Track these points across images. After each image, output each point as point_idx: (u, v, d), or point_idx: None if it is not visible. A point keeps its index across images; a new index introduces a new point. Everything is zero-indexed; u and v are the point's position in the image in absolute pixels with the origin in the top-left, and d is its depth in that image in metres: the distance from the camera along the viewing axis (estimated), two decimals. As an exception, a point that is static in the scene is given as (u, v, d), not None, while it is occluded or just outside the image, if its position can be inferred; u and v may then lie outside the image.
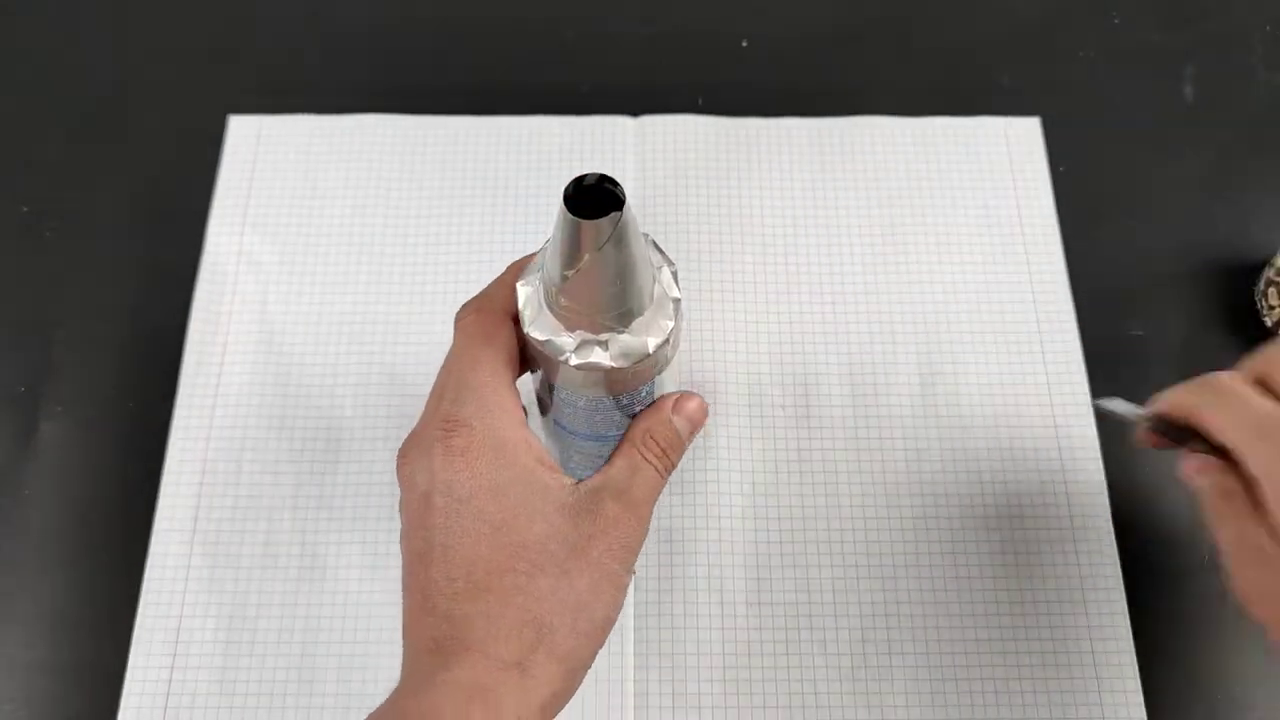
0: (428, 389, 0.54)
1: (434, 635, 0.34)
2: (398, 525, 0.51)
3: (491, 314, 0.37)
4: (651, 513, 0.38)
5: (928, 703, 0.48)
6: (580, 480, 0.38)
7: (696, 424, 0.40)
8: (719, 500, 0.51)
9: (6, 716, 0.48)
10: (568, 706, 0.47)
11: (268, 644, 0.49)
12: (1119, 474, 0.53)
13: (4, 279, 0.58)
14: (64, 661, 0.49)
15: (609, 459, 0.39)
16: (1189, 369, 0.55)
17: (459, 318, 0.38)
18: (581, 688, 0.47)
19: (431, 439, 0.36)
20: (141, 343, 0.56)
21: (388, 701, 0.34)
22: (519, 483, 0.35)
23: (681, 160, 0.60)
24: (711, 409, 0.53)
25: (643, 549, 0.50)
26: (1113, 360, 0.56)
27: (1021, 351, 0.55)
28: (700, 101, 0.62)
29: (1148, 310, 0.57)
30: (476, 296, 0.38)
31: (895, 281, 0.57)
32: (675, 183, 0.59)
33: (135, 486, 0.52)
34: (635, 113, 0.62)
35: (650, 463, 0.38)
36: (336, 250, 0.58)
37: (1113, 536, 0.51)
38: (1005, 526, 0.51)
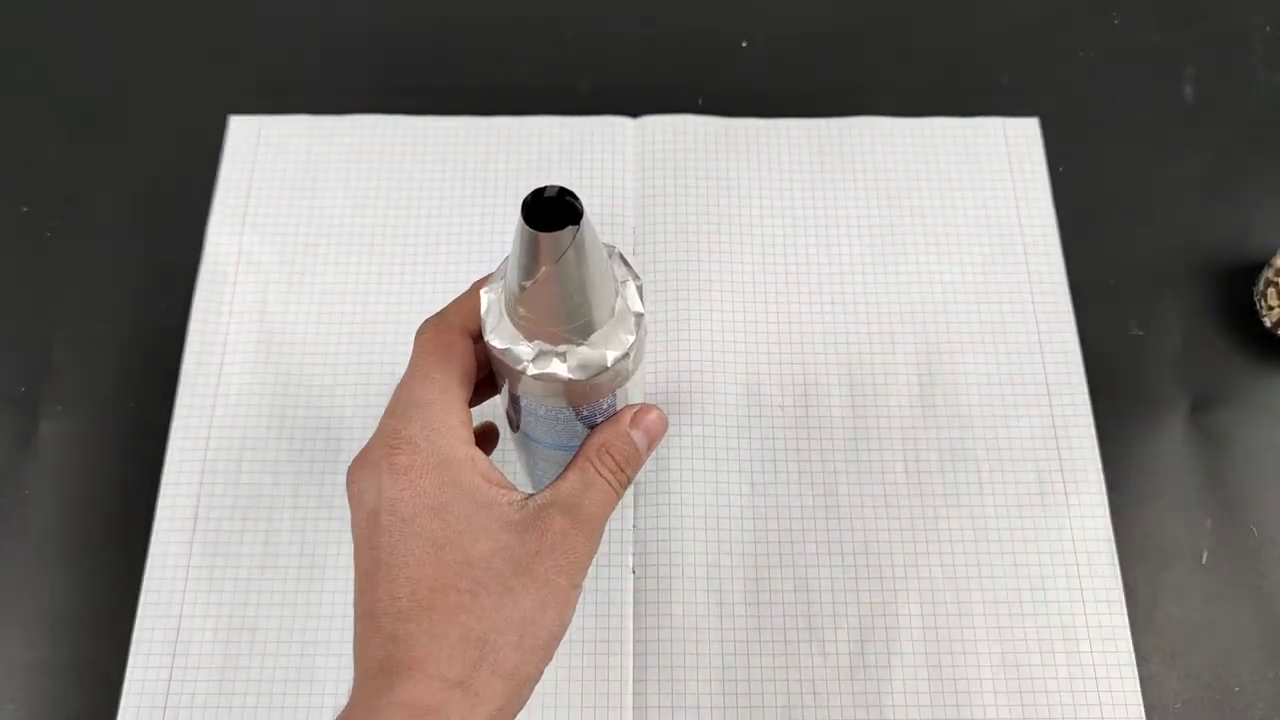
0: (427, 389, 0.54)
1: (379, 656, 0.34)
2: (397, 525, 0.51)
3: (448, 330, 0.37)
4: (603, 528, 0.38)
5: (926, 703, 0.48)
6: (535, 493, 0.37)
7: (655, 437, 0.40)
8: (718, 500, 0.51)
9: (7, 716, 0.48)
10: (568, 706, 0.47)
11: (267, 644, 0.49)
12: (1118, 473, 0.53)
13: (4, 279, 0.58)
14: (64, 661, 0.49)
15: (562, 473, 0.38)
16: (1189, 369, 0.56)
17: (418, 333, 0.38)
18: (581, 688, 0.48)
19: (378, 457, 0.36)
20: (141, 343, 0.56)
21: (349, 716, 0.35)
22: (463, 500, 0.35)
23: (681, 160, 0.60)
24: (711, 409, 0.53)
25: (636, 550, 0.50)
26: (1112, 360, 0.56)
27: (1020, 352, 0.55)
28: (700, 102, 0.63)
29: (1147, 310, 0.57)
30: (437, 313, 0.38)
31: (894, 281, 0.57)
32: (675, 183, 0.59)
33: (135, 486, 0.52)
34: (635, 113, 0.62)
35: (604, 478, 0.38)
36: (336, 250, 0.58)
37: (1112, 536, 0.51)
38: (1004, 527, 0.51)
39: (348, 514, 0.51)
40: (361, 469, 0.36)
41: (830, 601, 0.50)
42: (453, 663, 0.34)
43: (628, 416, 0.39)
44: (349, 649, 0.49)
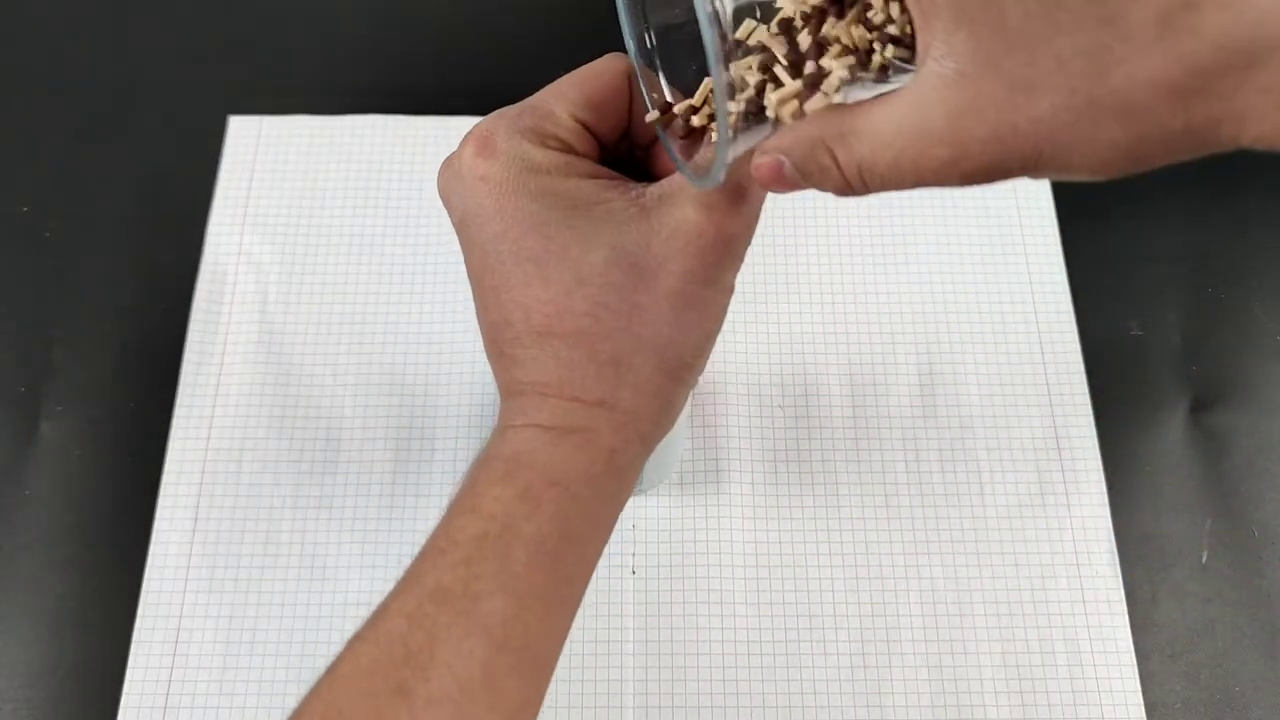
0: (427, 389, 0.55)
1: (509, 378, 0.31)
2: (397, 526, 0.51)
3: (618, 66, 0.33)
4: (758, 212, 0.31)
5: (927, 703, 0.48)
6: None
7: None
8: (718, 500, 0.51)
9: (6, 716, 0.48)
10: (569, 707, 0.47)
11: (267, 644, 0.49)
12: (1119, 473, 0.53)
13: (4, 279, 0.58)
14: (64, 662, 0.49)
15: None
16: (1189, 369, 0.56)
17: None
18: (582, 688, 0.48)
19: (462, 163, 0.31)
20: (141, 343, 0.56)
21: (483, 448, 0.32)
22: (561, 205, 0.30)
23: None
24: (711, 408, 0.53)
25: (636, 550, 0.50)
26: (1112, 360, 0.55)
27: (1021, 351, 0.55)
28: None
29: (1147, 310, 0.57)
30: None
31: (895, 281, 0.57)
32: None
33: (135, 486, 0.52)
34: (635, 113, 0.62)
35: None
36: (336, 250, 0.58)
37: (1112, 536, 0.51)
38: (1004, 526, 0.51)
39: (347, 514, 0.51)
40: (446, 172, 0.32)
41: (831, 602, 0.50)
42: (587, 384, 0.30)
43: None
44: (349, 649, 0.49)
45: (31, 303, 0.57)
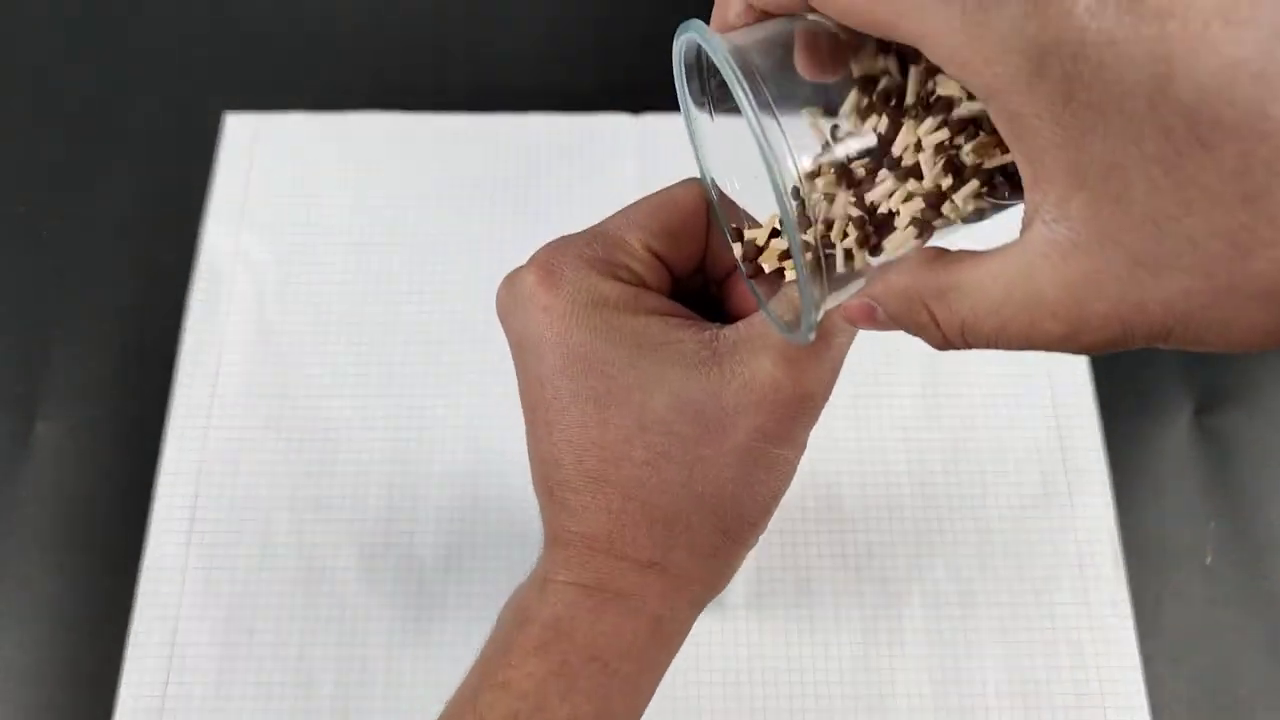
0: (426, 389, 0.54)
1: (557, 524, 0.29)
2: (395, 527, 0.51)
3: (693, 196, 0.31)
4: (840, 365, 0.28)
5: (930, 706, 0.47)
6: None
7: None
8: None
9: (3, 718, 0.48)
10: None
11: (264, 647, 0.48)
12: (1123, 475, 0.52)
13: (1, 279, 0.57)
14: (59, 664, 0.49)
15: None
16: (1193, 370, 0.55)
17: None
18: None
19: (524, 288, 0.29)
20: (138, 343, 0.56)
21: (520, 595, 0.30)
22: (627, 345, 0.28)
23: (683, 158, 0.60)
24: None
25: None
26: (1116, 361, 0.55)
27: (1024, 352, 0.55)
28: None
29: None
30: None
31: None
32: (676, 180, 0.59)
33: (131, 487, 0.52)
34: (636, 110, 0.61)
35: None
36: (334, 249, 0.58)
37: (1116, 538, 0.51)
38: (1008, 528, 0.51)
39: (345, 515, 0.51)
40: (507, 293, 0.30)
41: (833, 604, 0.49)
42: (639, 542, 0.28)
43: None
44: (347, 652, 0.48)
45: (28, 303, 0.57)
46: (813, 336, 0.27)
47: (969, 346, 0.25)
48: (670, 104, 0.61)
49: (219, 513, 0.51)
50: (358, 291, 0.57)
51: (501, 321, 0.30)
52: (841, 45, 0.24)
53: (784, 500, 0.51)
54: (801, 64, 0.25)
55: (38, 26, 0.65)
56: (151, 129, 0.62)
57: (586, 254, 0.29)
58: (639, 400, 0.28)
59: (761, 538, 0.50)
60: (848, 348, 0.28)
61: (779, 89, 0.24)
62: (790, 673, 0.48)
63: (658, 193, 0.31)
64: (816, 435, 0.52)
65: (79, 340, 0.56)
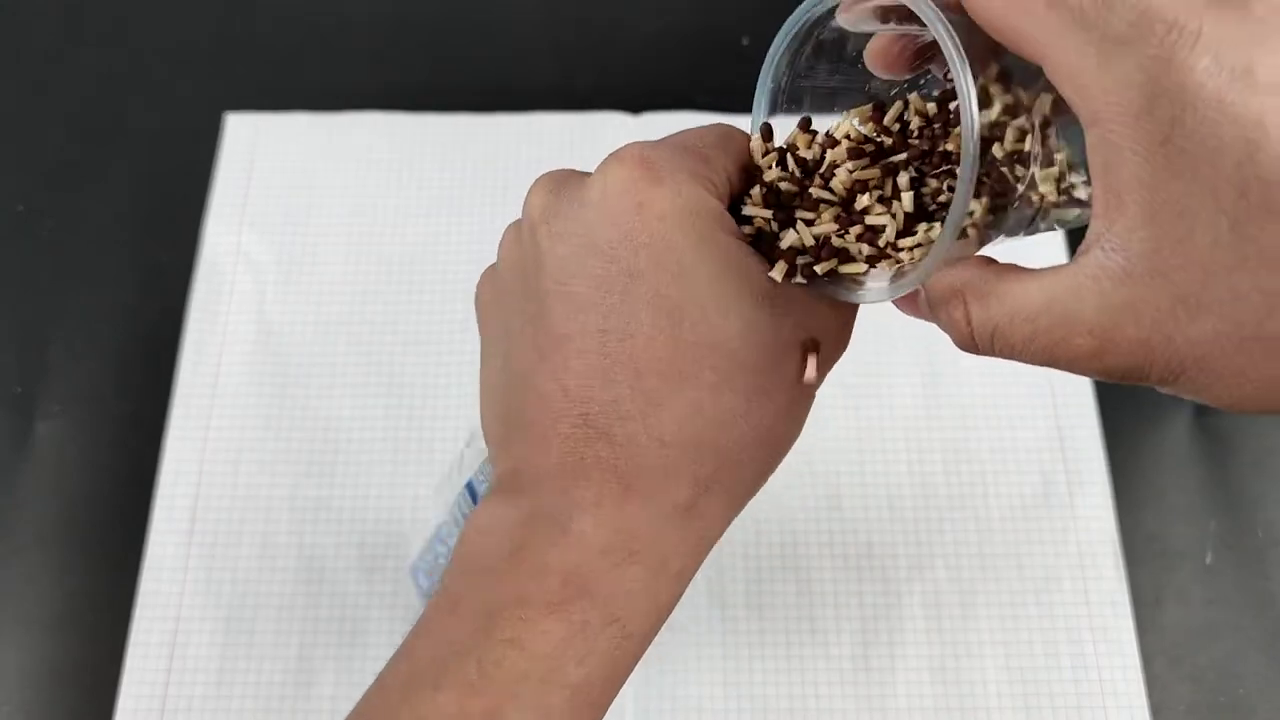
0: (426, 389, 0.54)
1: (588, 453, 0.27)
2: (395, 528, 0.51)
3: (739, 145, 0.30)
4: (852, 320, 0.29)
5: (930, 705, 0.47)
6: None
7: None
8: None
9: (3, 718, 0.48)
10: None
11: (265, 646, 0.48)
12: (1123, 473, 0.52)
13: (0, 279, 0.57)
14: (60, 664, 0.49)
15: None
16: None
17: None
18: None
19: (613, 175, 0.27)
20: (138, 343, 0.56)
21: (532, 526, 0.27)
22: (713, 259, 0.27)
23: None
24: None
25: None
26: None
27: (1024, 351, 0.55)
28: (700, 100, 0.62)
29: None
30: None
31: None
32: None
33: (132, 487, 0.52)
34: (636, 110, 0.61)
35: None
36: (334, 249, 0.58)
37: (1116, 538, 0.51)
38: (1008, 528, 0.51)
39: (345, 515, 0.51)
40: (608, 185, 0.27)
41: (833, 604, 0.49)
42: (681, 483, 0.27)
43: None
44: (347, 651, 0.48)
45: (28, 302, 0.57)
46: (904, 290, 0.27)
47: (992, 352, 0.27)
48: (669, 104, 0.61)
49: (219, 512, 0.51)
50: (358, 291, 0.57)
51: (553, 217, 0.28)
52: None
53: (784, 500, 0.51)
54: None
55: (38, 26, 0.65)
56: (152, 129, 0.62)
57: (682, 162, 0.28)
58: (715, 320, 0.27)
59: (761, 537, 0.50)
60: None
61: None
62: (790, 673, 0.48)
63: (711, 126, 0.30)
64: (816, 435, 0.52)
65: (79, 340, 0.56)
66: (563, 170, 0.29)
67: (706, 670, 0.48)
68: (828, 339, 0.29)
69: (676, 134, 0.29)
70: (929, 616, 0.49)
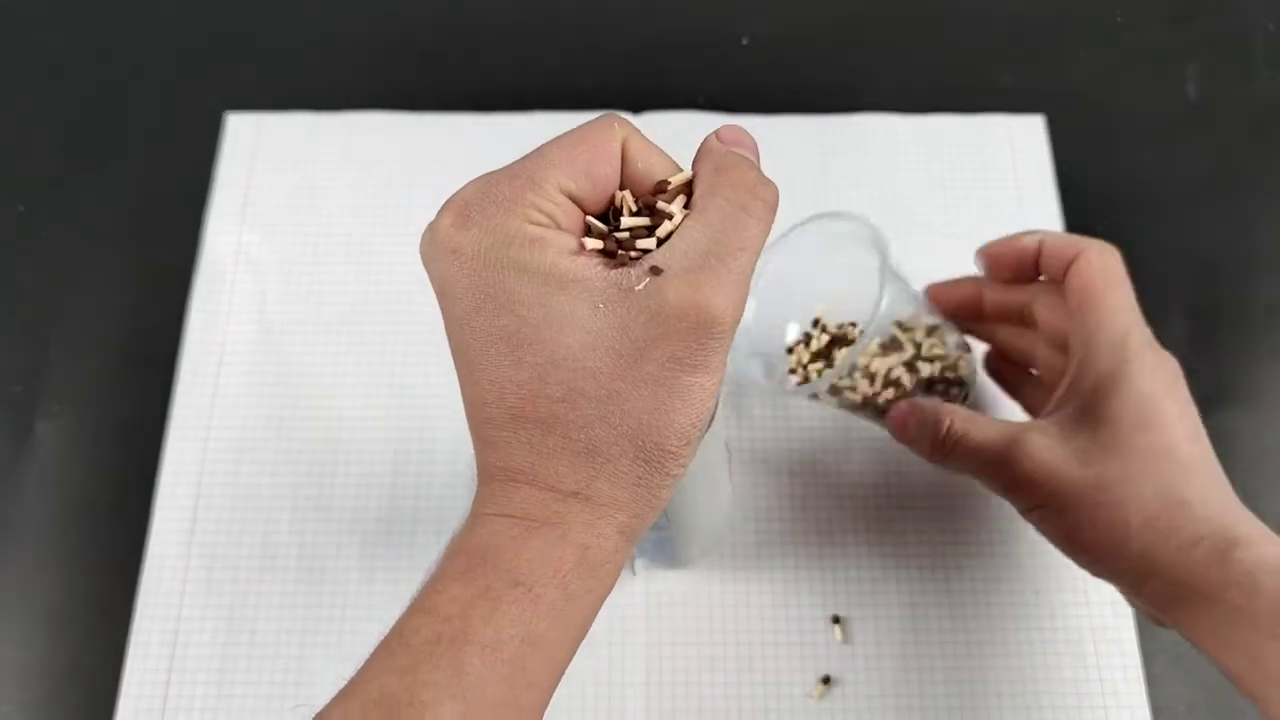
0: (426, 389, 0.54)
1: (484, 461, 0.30)
2: (396, 527, 0.51)
3: (611, 134, 0.31)
4: (747, 282, 0.29)
5: (930, 705, 0.47)
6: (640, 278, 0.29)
7: (754, 150, 0.33)
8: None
9: (4, 718, 0.48)
10: (568, 710, 0.47)
11: (266, 646, 0.48)
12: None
13: (1, 278, 0.57)
14: (60, 663, 0.49)
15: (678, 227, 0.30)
16: (1192, 368, 0.55)
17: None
18: (583, 689, 0.47)
19: (439, 231, 0.30)
20: (138, 342, 0.56)
21: (454, 536, 0.30)
22: (535, 283, 0.28)
23: (683, 158, 0.60)
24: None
25: (639, 551, 0.49)
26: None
27: (1024, 351, 0.55)
28: (701, 99, 0.62)
29: (1149, 309, 0.57)
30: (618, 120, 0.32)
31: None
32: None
33: (132, 487, 0.52)
34: (636, 110, 0.61)
35: (732, 205, 0.29)
36: (335, 249, 0.58)
37: (1116, 537, 0.51)
38: (1008, 527, 0.51)
39: (346, 515, 0.51)
40: (426, 238, 0.30)
41: (834, 604, 0.49)
42: (561, 473, 0.29)
43: (713, 136, 0.32)
44: (348, 651, 0.48)
45: (28, 302, 0.57)
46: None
47: (947, 457, 0.43)
48: (669, 104, 0.61)
49: (220, 513, 0.51)
50: (359, 291, 0.57)
51: (425, 268, 0.31)
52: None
53: (783, 500, 0.51)
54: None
55: (38, 26, 0.65)
56: (152, 129, 0.62)
57: (497, 195, 0.30)
58: (550, 338, 0.28)
59: (757, 539, 0.50)
60: (750, 272, 0.29)
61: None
62: (791, 672, 0.48)
63: (573, 131, 0.31)
64: (817, 435, 0.53)
65: (79, 340, 0.56)
66: (434, 219, 0.31)
67: (709, 670, 0.48)
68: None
69: (532, 152, 0.31)
70: (929, 616, 0.49)
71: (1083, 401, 0.40)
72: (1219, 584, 0.36)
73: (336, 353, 0.55)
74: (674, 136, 0.60)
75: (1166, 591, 0.38)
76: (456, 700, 0.27)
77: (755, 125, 0.61)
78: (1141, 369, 0.40)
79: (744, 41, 0.65)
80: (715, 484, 0.42)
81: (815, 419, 0.53)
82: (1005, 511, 0.51)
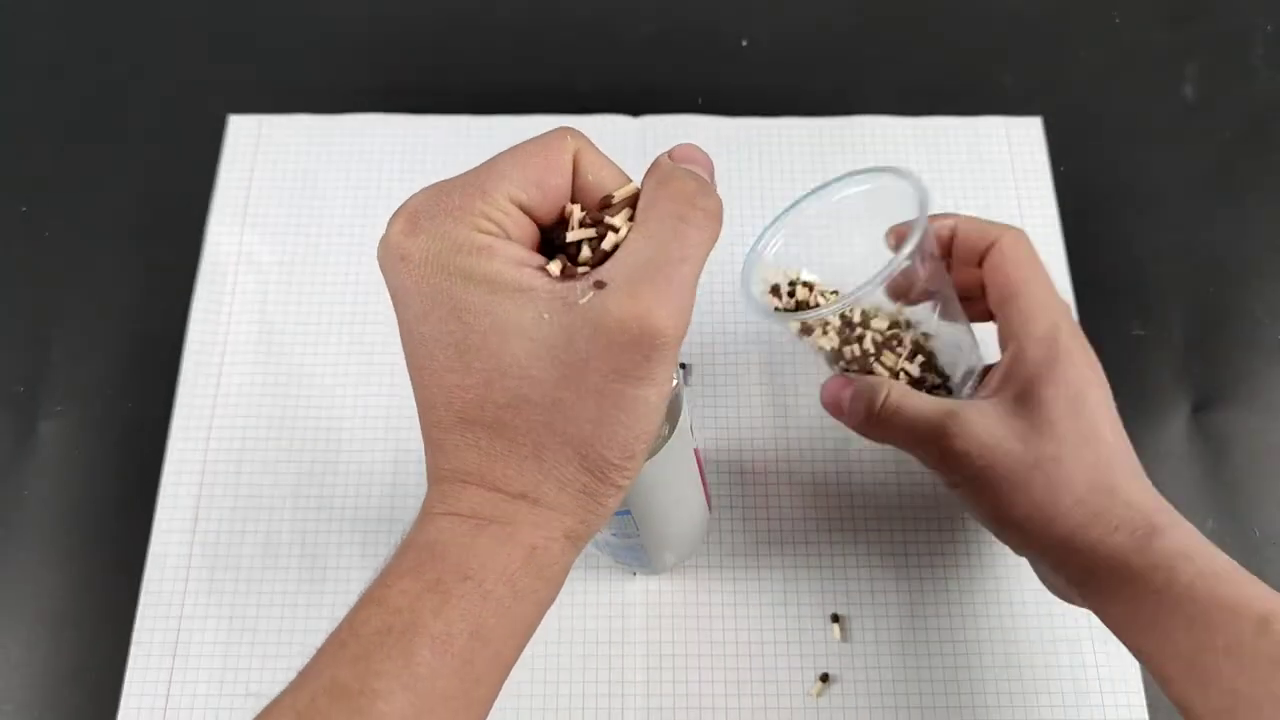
0: (428, 389, 0.54)
1: (433, 463, 0.31)
2: (397, 527, 0.51)
3: (561, 146, 0.31)
4: (692, 295, 0.29)
5: (930, 704, 0.47)
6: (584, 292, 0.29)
7: (707, 163, 0.32)
8: (721, 502, 0.51)
9: (6, 717, 0.48)
10: (569, 709, 0.47)
11: (268, 644, 0.49)
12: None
13: (3, 278, 0.58)
14: (63, 663, 0.49)
15: (624, 239, 0.30)
16: (1190, 368, 0.56)
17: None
18: (583, 689, 0.47)
19: (391, 240, 0.30)
20: (140, 343, 0.56)
21: (405, 535, 0.31)
22: (482, 292, 0.29)
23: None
24: (713, 407, 0.53)
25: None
26: (1114, 361, 0.55)
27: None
28: (700, 101, 0.62)
29: (1148, 310, 0.57)
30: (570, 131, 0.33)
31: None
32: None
33: (134, 487, 0.52)
34: (636, 112, 0.61)
35: (671, 217, 0.29)
36: (336, 250, 0.58)
37: (1114, 537, 0.51)
38: (1007, 527, 0.51)
39: (348, 514, 0.51)
40: (382, 248, 0.31)
41: (834, 604, 0.49)
42: (508, 475, 0.29)
43: (664, 156, 0.32)
44: (350, 650, 0.48)
45: (30, 302, 0.57)
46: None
47: (880, 427, 0.43)
48: (669, 104, 0.62)
49: (222, 511, 0.51)
50: (360, 291, 0.57)
51: (381, 273, 0.31)
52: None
53: (784, 500, 0.51)
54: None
55: (38, 26, 0.65)
56: (154, 129, 0.62)
57: (446, 204, 0.30)
58: (497, 345, 0.29)
59: (756, 537, 0.50)
60: (693, 283, 0.29)
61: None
62: (790, 670, 0.48)
63: (525, 143, 0.32)
64: (817, 434, 0.53)
65: (80, 340, 0.56)
66: (388, 226, 0.31)
67: (708, 669, 0.48)
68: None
69: (485, 162, 0.31)
70: (928, 615, 0.49)
71: (1019, 387, 0.42)
72: (1138, 568, 0.38)
73: (338, 352, 0.55)
74: (673, 138, 0.60)
75: (1087, 571, 0.39)
76: (408, 690, 0.27)
77: (754, 126, 0.61)
78: (1072, 361, 0.42)
79: (744, 43, 0.65)
80: (682, 494, 0.42)
81: (816, 416, 0.53)
82: (1004, 511, 0.51)
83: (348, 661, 0.28)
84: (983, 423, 0.41)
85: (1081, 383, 0.42)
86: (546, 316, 0.28)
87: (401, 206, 0.31)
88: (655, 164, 0.32)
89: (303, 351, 0.55)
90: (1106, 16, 0.66)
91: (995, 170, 0.60)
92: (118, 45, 0.65)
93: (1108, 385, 0.43)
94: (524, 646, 0.31)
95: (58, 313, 0.57)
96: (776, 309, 0.46)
